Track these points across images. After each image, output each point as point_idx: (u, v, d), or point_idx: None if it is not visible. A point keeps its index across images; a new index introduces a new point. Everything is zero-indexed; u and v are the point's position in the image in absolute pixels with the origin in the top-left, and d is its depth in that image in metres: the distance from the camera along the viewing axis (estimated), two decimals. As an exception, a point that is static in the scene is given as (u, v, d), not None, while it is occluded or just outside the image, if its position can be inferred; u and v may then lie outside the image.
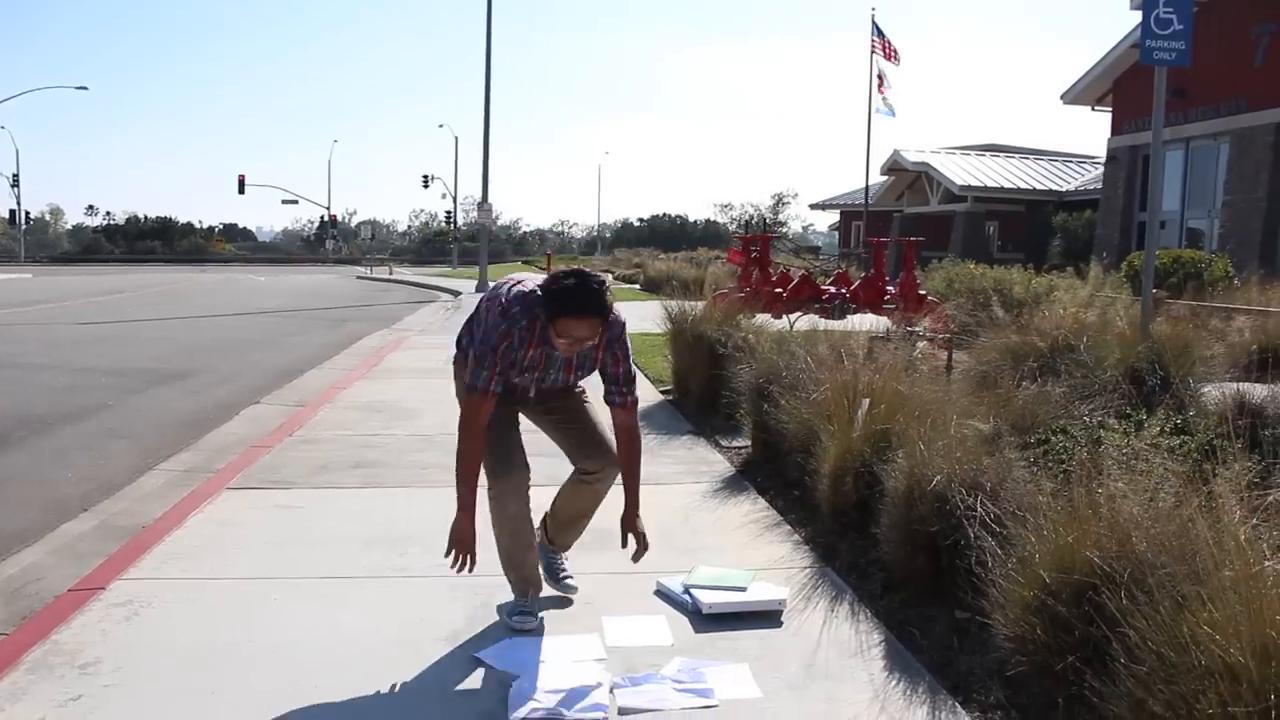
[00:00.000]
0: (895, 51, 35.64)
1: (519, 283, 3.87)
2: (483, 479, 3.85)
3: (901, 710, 3.25)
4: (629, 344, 3.96)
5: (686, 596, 4.13)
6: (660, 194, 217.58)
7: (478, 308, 4.06)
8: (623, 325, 3.92)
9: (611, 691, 3.35)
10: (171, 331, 17.68)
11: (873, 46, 35.94)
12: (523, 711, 3.19)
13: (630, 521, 4.01)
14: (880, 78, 35.84)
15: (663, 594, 4.23)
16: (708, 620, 3.97)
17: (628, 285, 33.08)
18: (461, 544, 3.78)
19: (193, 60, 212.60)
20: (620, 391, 3.94)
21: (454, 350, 4.20)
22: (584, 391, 4.21)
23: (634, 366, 4.00)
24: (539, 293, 3.71)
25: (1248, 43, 22.96)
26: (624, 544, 4.02)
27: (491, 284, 4.07)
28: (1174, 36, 8.83)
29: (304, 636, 3.80)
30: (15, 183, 72.07)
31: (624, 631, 3.85)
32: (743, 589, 4.16)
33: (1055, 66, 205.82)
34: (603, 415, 4.10)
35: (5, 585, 4.54)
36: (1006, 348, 7.55)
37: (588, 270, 3.74)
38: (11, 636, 3.83)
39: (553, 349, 3.77)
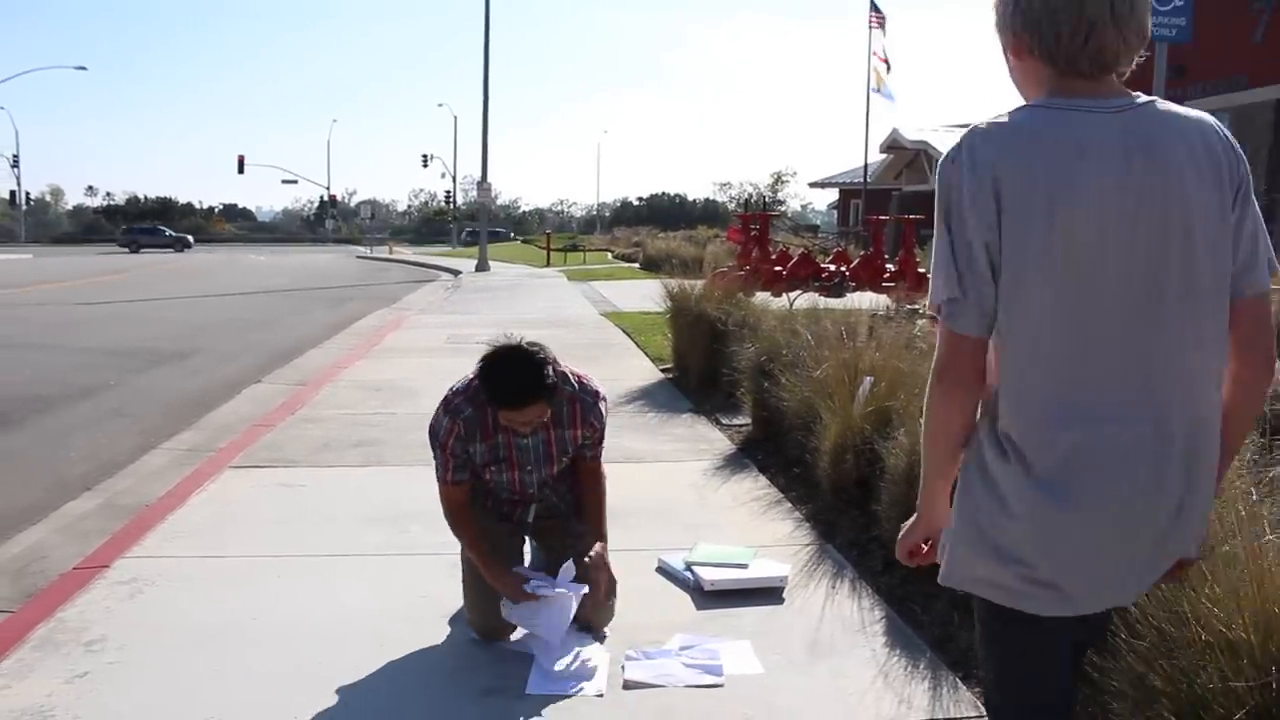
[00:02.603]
0: (884, 19, 35.44)
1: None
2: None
3: (904, 686, 3.27)
4: (604, 411, 3.71)
5: (688, 574, 4.15)
6: (659, 172, 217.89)
7: None
8: (595, 394, 3.66)
9: (622, 666, 3.37)
10: (173, 312, 17.67)
11: (870, 23, 35.80)
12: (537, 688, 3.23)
13: (601, 561, 3.64)
14: (885, 61, 35.63)
15: (664, 571, 4.24)
16: (709, 597, 3.98)
17: (627, 264, 33.08)
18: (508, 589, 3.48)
19: (192, 41, 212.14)
20: (595, 452, 3.76)
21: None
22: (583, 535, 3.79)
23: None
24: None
25: (1247, 20, 22.84)
26: (595, 587, 3.54)
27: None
28: (1175, 13, 8.81)
29: (307, 614, 3.81)
30: (15, 163, 72.05)
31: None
32: (744, 565, 4.18)
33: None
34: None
35: (10, 564, 4.55)
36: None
37: (522, 343, 3.40)
38: (17, 614, 3.85)
39: (518, 435, 3.55)
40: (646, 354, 10.86)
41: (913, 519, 2.00)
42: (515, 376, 3.35)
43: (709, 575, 4.07)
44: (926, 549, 2.00)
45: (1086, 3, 1.71)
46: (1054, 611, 1.81)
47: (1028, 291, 1.70)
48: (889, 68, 35.83)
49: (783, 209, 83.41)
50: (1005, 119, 1.74)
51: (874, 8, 35.71)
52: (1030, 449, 1.74)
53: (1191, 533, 1.84)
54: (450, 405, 3.54)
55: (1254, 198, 1.78)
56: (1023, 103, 1.81)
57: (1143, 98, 1.77)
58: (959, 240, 1.72)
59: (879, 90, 36.00)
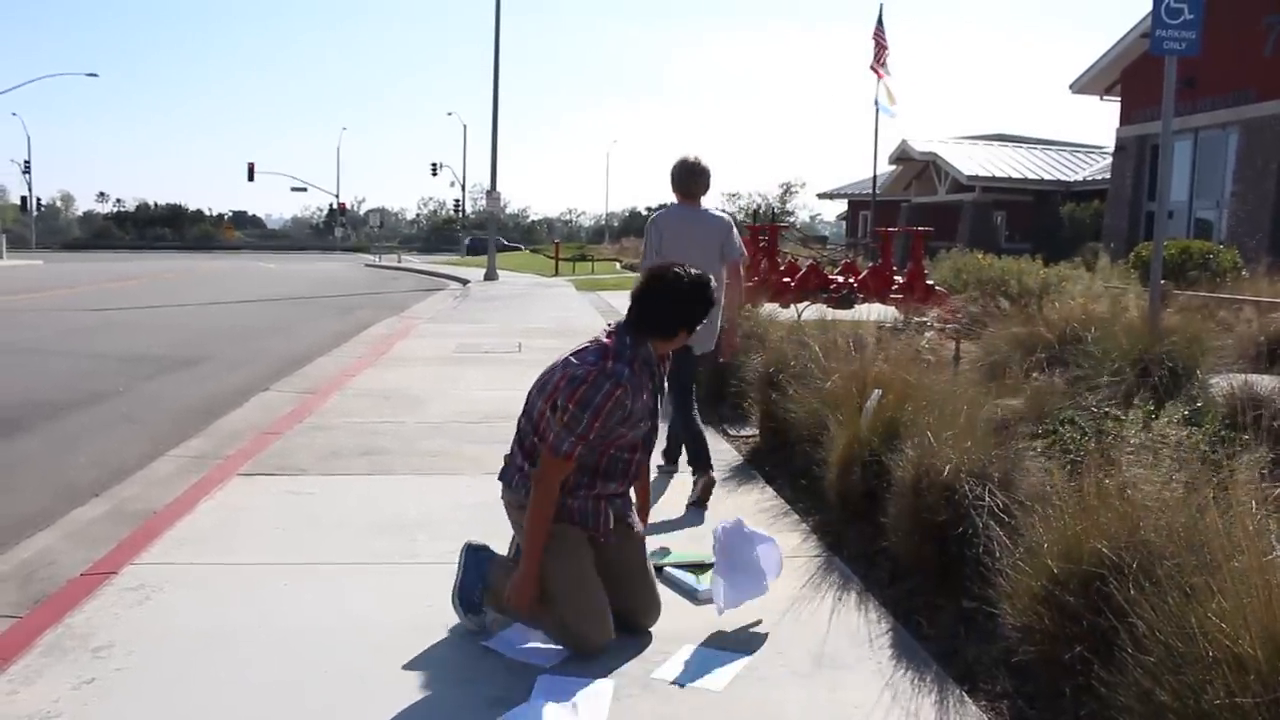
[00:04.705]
0: (886, 49, 35.05)
1: (573, 359, 3.64)
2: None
3: (910, 699, 3.26)
4: None
5: (687, 576, 4.20)
6: (668, 182, 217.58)
7: (532, 403, 3.74)
8: None
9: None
10: (182, 318, 17.72)
11: (874, 38, 35.63)
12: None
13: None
14: (877, 74, 35.29)
15: (669, 581, 4.24)
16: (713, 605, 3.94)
17: (635, 274, 33.03)
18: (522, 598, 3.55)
19: (203, 47, 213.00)
20: None
21: (502, 487, 3.87)
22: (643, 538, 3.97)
23: None
24: (650, 318, 3.71)
25: (1257, 33, 22.82)
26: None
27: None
28: (1184, 26, 8.77)
29: (313, 622, 3.82)
30: (27, 169, 72.23)
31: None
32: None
33: (1064, 56, 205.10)
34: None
35: (19, 569, 4.57)
36: (1015, 338, 7.54)
37: (672, 265, 3.85)
38: (25, 620, 3.86)
39: (653, 379, 3.73)
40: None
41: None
42: (705, 282, 3.81)
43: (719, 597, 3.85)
44: None
45: (687, 181, 5.68)
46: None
47: (670, 257, 4.71)
48: (890, 76, 35.56)
49: (791, 220, 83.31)
50: (668, 208, 5.83)
51: (880, 26, 35.52)
52: None
53: (719, 340, 5.82)
54: (608, 370, 3.52)
55: (735, 234, 5.70)
56: (673, 201, 5.77)
57: (703, 207, 5.74)
58: (648, 243, 5.77)
59: (877, 104, 35.69)
